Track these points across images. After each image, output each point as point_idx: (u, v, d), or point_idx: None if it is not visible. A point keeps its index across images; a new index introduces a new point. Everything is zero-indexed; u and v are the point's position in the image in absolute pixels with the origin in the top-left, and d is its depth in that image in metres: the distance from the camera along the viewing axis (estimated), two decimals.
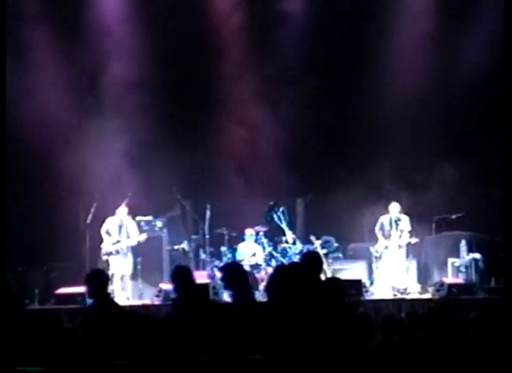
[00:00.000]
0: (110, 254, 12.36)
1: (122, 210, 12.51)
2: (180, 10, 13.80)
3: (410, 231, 12.87)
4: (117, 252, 12.36)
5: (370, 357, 4.95)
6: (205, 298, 8.03)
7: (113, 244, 12.37)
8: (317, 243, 13.05)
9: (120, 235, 12.44)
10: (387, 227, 12.93)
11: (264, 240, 13.16)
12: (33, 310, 11.19)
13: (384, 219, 12.99)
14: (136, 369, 3.83)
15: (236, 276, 7.11)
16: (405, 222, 12.90)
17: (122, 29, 13.63)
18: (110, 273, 12.10)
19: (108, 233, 12.45)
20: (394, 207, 12.92)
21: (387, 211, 12.99)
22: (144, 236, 12.49)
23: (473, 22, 13.67)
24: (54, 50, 13.42)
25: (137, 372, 3.83)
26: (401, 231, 12.85)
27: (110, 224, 12.50)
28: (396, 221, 12.86)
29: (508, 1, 10.36)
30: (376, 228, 13.01)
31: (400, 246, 12.83)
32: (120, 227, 12.46)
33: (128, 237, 12.46)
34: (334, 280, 7.69)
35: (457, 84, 13.72)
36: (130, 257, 12.45)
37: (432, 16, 13.87)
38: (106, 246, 12.39)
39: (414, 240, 12.82)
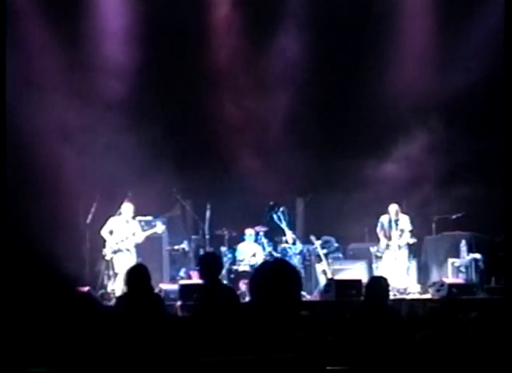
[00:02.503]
0: (117, 252, 12.02)
1: (128, 209, 12.25)
2: None
3: (411, 231, 12.87)
4: (127, 249, 12.01)
5: (371, 356, 4.95)
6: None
7: (120, 242, 12.04)
8: (317, 243, 13.05)
9: (125, 234, 12.12)
10: (386, 227, 12.94)
11: (264, 240, 13.15)
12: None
13: (383, 219, 13.01)
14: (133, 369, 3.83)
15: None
16: (405, 222, 12.90)
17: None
18: (112, 272, 12.06)
19: (111, 233, 12.13)
20: (393, 208, 12.93)
21: (387, 211, 13.00)
22: (162, 227, 12.38)
23: (473, 19, 13.67)
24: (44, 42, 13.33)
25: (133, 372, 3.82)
26: (402, 231, 12.86)
27: (114, 224, 12.19)
28: (396, 221, 12.88)
29: (508, 1, 10.35)
30: (378, 229, 13.02)
31: (400, 246, 12.84)
32: (126, 226, 12.18)
33: (133, 235, 12.17)
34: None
35: (459, 81, 13.68)
36: (135, 256, 12.12)
37: (431, 13, 13.88)
38: (111, 244, 12.06)
39: (412, 240, 12.83)
